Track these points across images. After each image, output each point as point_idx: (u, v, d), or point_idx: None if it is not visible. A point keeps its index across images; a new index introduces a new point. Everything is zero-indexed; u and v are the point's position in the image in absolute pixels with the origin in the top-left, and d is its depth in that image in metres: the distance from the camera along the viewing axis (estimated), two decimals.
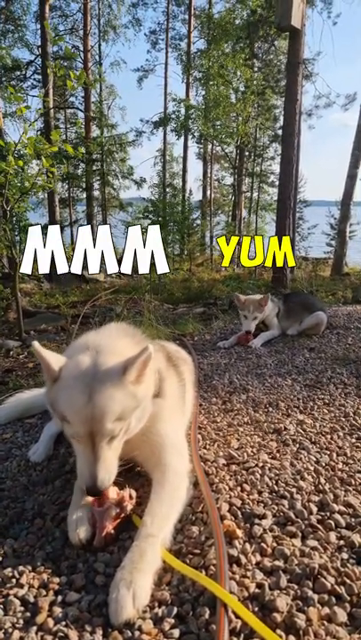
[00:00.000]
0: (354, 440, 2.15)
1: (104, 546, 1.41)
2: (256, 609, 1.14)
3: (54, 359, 1.47)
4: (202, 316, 6.31)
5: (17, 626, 1.13)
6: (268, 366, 3.46)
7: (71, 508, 1.53)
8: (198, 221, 20.38)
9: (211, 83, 17.35)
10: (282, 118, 8.69)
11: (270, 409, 2.59)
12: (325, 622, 1.11)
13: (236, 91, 17.72)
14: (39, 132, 15.42)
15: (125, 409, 1.41)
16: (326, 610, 1.13)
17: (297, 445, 2.09)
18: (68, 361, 1.48)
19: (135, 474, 1.79)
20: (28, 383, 3.30)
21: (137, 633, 1.08)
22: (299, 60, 7.74)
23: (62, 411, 1.40)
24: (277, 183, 8.67)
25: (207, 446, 2.10)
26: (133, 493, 1.54)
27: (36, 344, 1.48)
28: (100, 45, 21.58)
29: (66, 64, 19.29)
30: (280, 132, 14.47)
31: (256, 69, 19.28)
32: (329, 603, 1.16)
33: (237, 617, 1.10)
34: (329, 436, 2.20)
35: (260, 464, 1.89)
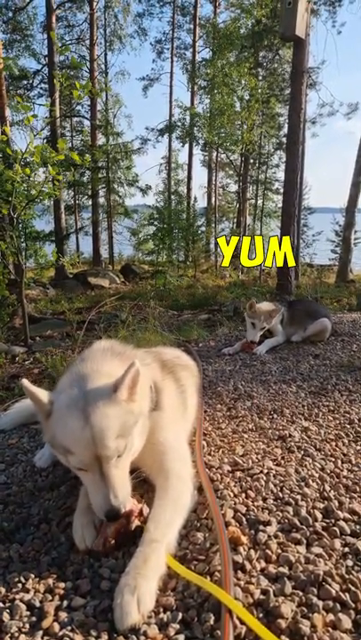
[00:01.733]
0: (359, 447, 2.15)
1: (103, 553, 1.41)
2: (261, 615, 1.15)
3: (44, 394, 1.47)
4: (206, 323, 6.32)
5: (23, 630, 1.14)
6: (272, 373, 3.46)
7: (77, 513, 1.54)
8: (203, 228, 20.43)
9: (215, 91, 17.46)
10: (286, 126, 8.74)
11: (275, 416, 2.59)
12: (330, 629, 1.11)
13: (241, 99, 17.79)
14: (46, 141, 15.61)
15: (124, 424, 1.42)
16: (331, 616, 1.13)
17: (302, 452, 2.09)
18: (58, 394, 1.49)
19: (141, 480, 1.79)
20: None
21: (142, 638, 1.09)
22: (303, 70, 7.80)
23: (62, 442, 1.39)
24: (282, 190, 8.70)
25: (212, 453, 2.11)
26: (146, 510, 1.51)
27: (25, 382, 1.46)
28: (105, 55, 21.83)
29: (72, 73, 19.53)
30: (284, 139, 14.54)
31: (261, 78, 19.37)
32: (334, 609, 1.16)
33: (242, 623, 1.10)
34: (334, 443, 2.19)
35: (265, 471, 1.89)
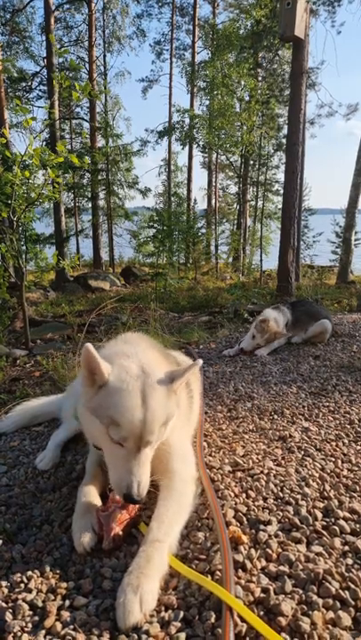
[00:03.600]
0: (359, 447, 2.16)
1: (113, 548, 1.44)
2: (261, 613, 1.16)
3: (105, 366, 1.47)
4: (207, 325, 6.33)
5: (26, 630, 1.15)
6: (273, 374, 3.47)
7: (75, 515, 1.55)
8: (203, 230, 20.48)
9: (215, 92, 17.51)
10: (286, 127, 8.75)
11: (275, 416, 2.60)
12: (330, 626, 1.12)
13: (241, 100, 17.86)
14: (45, 143, 15.64)
15: (169, 415, 1.50)
16: (331, 614, 1.15)
17: (302, 452, 2.10)
18: (114, 367, 1.49)
19: None
20: (34, 392, 3.34)
21: (144, 636, 1.10)
22: (302, 70, 7.82)
23: (112, 414, 1.40)
24: (282, 192, 8.71)
25: (213, 453, 2.12)
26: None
27: (89, 346, 1.43)
28: (104, 56, 21.89)
29: (71, 75, 19.58)
30: (284, 140, 14.56)
31: (260, 79, 19.44)
32: (334, 607, 1.17)
33: (243, 621, 1.11)
34: (334, 443, 2.20)
35: (266, 471, 1.90)
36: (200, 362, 1.58)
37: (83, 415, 1.57)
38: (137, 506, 1.55)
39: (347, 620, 1.13)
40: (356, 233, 14.20)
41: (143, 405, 1.41)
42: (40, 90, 21.09)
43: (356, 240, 14.64)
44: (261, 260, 15.72)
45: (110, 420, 1.41)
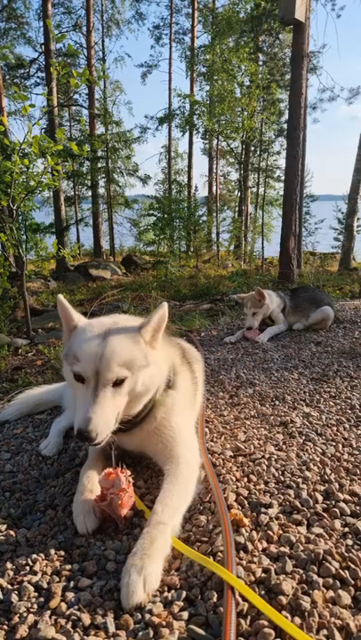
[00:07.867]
0: (360, 432, 2.18)
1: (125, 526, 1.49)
2: (263, 592, 1.18)
3: (76, 314, 1.64)
4: (208, 312, 6.33)
5: (31, 610, 1.17)
6: (274, 361, 3.48)
7: (76, 497, 1.57)
8: (204, 218, 20.32)
9: (215, 77, 17.26)
10: (287, 112, 8.64)
11: (277, 402, 2.61)
12: (330, 605, 1.14)
13: (241, 85, 17.60)
14: (43, 131, 15.48)
15: (134, 359, 1.51)
16: (331, 593, 1.17)
17: (303, 437, 2.12)
18: (88, 320, 1.63)
19: (144, 466, 1.83)
20: (36, 380, 3.35)
21: (147, 615, 1.12)
22: (303, 54, 7.69)
23: (75, 350, 1.50)
24: (283, 178, 8.62)
25: (214, 439, 2.13)
26: (127, 472, 1.55)
27: (60, 297, 1.63)
28: (103, 41, 21.53)
29: (69, 61, 19.32)
30: (285, 126, 14.38)
31: (261, 63, 19.15)
32: (333, 586, 1.19)
33: (244, 600, 1.13)
34: (335, 428, 2.22)
35: (267, 455, 1.92)
36: (166, 305, 1.62)
37: (64, 369, 1.63)
38: (130, 479, 1.53)
39: (346, 598, 1.15)
40: (358, 219, 14.10)
41: (102, 342, 1.49)
42: (38, 77, 20.87)
43: (358, 226, 14.54)
44: (263, 248, 15.63)
45: (74, 356, 1.49)
